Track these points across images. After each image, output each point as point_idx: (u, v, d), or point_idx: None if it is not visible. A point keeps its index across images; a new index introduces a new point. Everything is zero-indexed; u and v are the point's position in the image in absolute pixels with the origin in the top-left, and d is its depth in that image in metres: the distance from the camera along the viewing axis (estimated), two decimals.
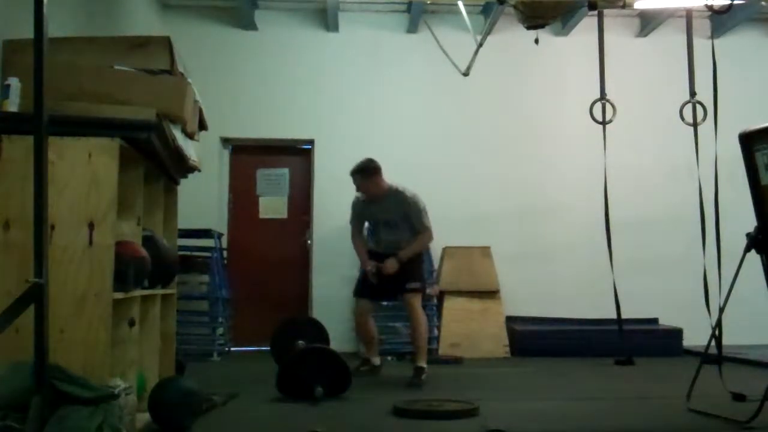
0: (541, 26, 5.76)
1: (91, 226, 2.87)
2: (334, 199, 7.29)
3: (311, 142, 7.66)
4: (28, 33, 2.57)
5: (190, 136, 3.84)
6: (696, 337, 6.09)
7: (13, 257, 2.78)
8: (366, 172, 5.22)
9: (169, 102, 3.37)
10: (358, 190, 5.34)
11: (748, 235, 3.79)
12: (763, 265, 3.72)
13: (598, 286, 6.55)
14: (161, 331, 3.93)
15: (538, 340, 6.83)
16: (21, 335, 2.59)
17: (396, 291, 5.32)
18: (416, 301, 5.26)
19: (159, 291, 3.82)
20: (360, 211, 5.46)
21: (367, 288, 5.33)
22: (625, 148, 7.15)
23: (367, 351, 5.55)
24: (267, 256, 7.56)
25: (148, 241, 3.53)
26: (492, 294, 7.00)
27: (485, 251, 7.09)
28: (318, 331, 5.50)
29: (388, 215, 5.28)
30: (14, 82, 3.00)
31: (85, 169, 2.90)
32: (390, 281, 5.20)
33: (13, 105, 2.98)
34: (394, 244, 5.25)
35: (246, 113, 7.42)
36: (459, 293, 6.96)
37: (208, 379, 4.74)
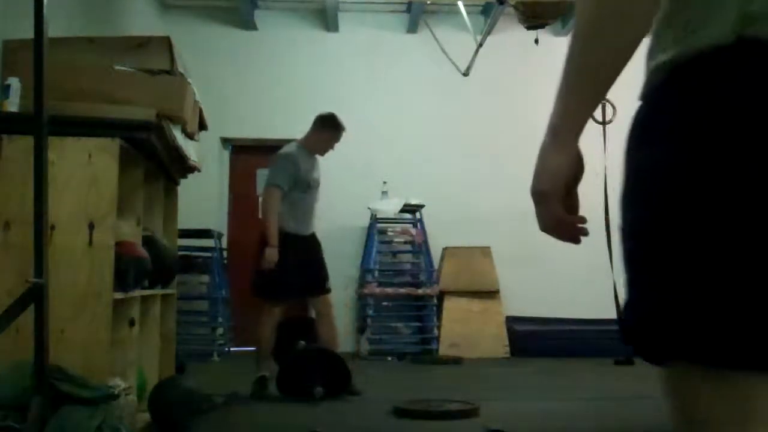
0: (541, 26, 5.77)
1: (91, 226, 2.87)
2: (334, 199, 7.30)
3: None
4: (28, 33, 2.57)
5: (190, 136, 3.84)
6: None
7: (13, 257, 2.78)
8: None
9: (169, 102, 3.37)
10: (326, 146, 4.81)
11: None
12: None
13: (598, 286, 6.54)
14: (161, 331, 3.93)
15: (538, 340, 6.84)
16: (21, 335, 2.59)
17: (315, 288, 4.66)
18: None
19: (159, 291, 3.82)
20: (303, 168, 4.62)
21: (290, 288, 4.51)
22: None
23: (264, 363, 4.62)
24: None
25: (148, 241, 3.53)
26: (492, 294, 7.00)
27: (485, 251, 7.09)
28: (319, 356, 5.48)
29: (317, 175, 4.80)
30: (14, 82, 3.00)
31: (85, 169, 2.91)
32: (312, 275, 4.62)
33: (13, 105, 2.98)
34: (311, 220, 4.76)
35: (246, 113, 7.42)
36: (459, 293, 6.96)
37: (208, 379, 4.74)
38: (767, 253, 0.69)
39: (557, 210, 0.96)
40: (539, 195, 0.96)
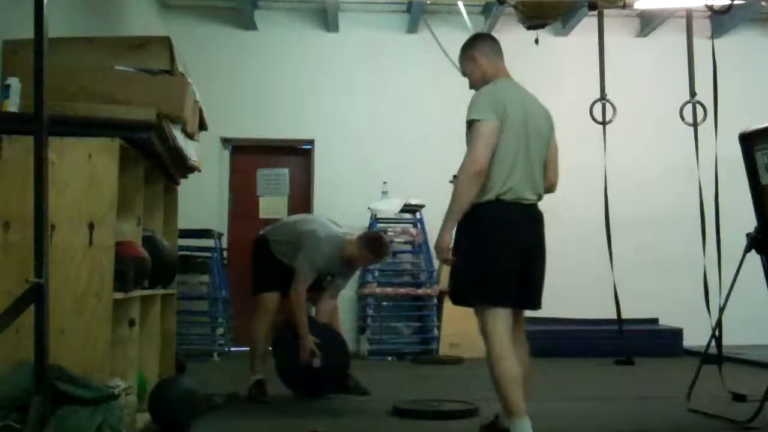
0: (542, 26, 5.76)
1: (91, 226, 2.87)
2: (334, 200, 7.30)
3: (311, 142, 7.66)
4: (28, 33, 2.57)
5: (190, 136, 3.84)
6: (696, 337, 6.09)
7: (13, 257, 2.78)
8: None
9: (169, 102, 3.37)
10: (362, 263, 4.73)
11: (748, 235, 3.79)
12: (763, 265, 3.72)
13: (598, 286, 6.54)
14: (161, 331, 3.93)
15: (538, 340, 6.79)
16: (21, 335, 2.60)
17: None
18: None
19: (159, 291, 3.82)
20: (330, 270, 4.59)
21: (277, 279, 4.62)
22: (625, 149, 7.14)
23: (259, 365, 4.54)
24: None
25: (148, 241, 3.53)
26: None
27: None
28: (318, 331, 5.50)
29: (343, 278, 4.74)
30: (14, 82, 3.00)
31: (85, 169, 2.91)
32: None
33: (13, 105, 2.98)
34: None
35: (246, 113, 7.42)
36: None
37: (208, 379, 4.75)
38: (483, 268, 3.02)
39: (443, 256, 3.10)
40: (437, 251, 3.12)
